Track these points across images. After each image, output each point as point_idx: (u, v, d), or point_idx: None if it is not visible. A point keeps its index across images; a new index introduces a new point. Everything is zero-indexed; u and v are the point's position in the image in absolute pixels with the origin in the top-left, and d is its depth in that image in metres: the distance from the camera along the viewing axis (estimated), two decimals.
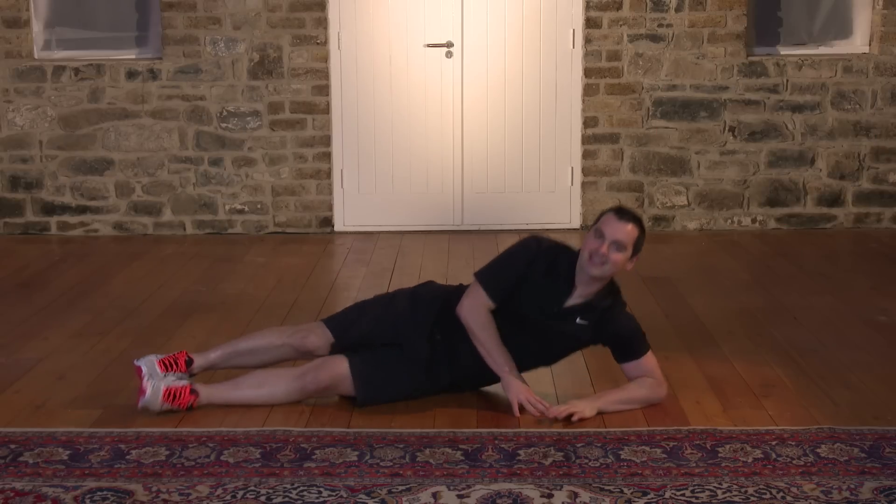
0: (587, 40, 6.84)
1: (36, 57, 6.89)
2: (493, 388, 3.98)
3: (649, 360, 3.79)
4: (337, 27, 6.87)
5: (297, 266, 6.11)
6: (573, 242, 6.71)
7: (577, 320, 3.73)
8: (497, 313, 3.77)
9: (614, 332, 3.76)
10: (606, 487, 3.11)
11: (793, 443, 3.42)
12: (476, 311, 3.76)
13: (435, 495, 3.07)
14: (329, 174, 6.98)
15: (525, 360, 3.82)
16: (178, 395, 3.68)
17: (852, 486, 3.11)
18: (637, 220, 3.72)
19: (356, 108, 6.95)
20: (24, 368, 4.27)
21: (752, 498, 3.04)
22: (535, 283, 3.74)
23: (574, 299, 3.74)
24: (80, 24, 6.98)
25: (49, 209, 6.98)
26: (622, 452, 3.36)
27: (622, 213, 3.73)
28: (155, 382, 3.68)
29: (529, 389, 3.72)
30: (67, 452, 3.39)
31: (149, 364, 3.74)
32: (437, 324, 3.83)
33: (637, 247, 3.71)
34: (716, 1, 6.78)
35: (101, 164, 6.94)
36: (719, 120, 6.92)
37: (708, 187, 6.99)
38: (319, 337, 3.89)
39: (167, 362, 3.78)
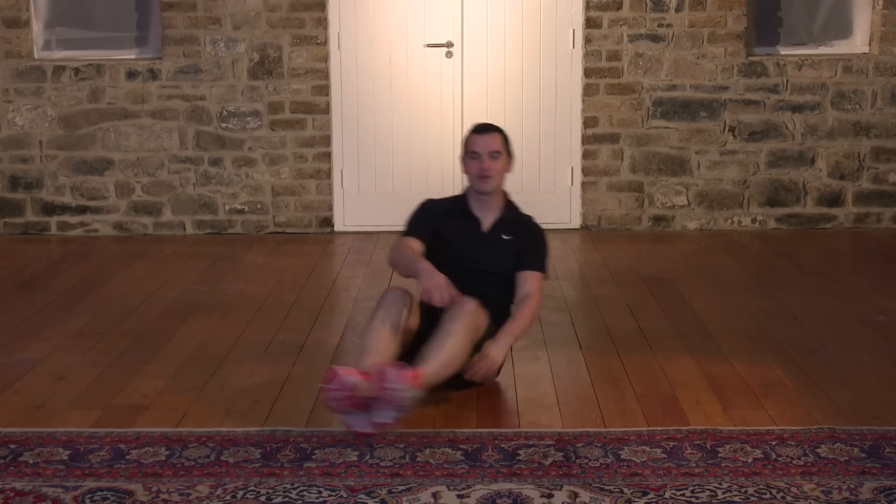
0: (587, 40, 6.84)
1: (36, 57, 6.89)
2: (494, 388, 3.98)
3: (539, 281, 4.01)
4: (337, 27, 6.87)
5: (297, 266, 6.11)
6: (573, 243, 6.75)
7: (503, 236, 4.05)
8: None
9: (529, 237, 4.08)
10: (606, 487, 3.11)
11: (793, 443, 3.42)
12: (394, 245, 3.98)
13: (435, 495, 3.07)
14: (329, 174, 6.98)
15: (486, 301, 3.85)
16: (403, 368, 3.45)
17: (852, 486, 3.11)
18: (496, 127, 4.08)
19: (356, 108, 6.95)
20: (24, 368, 4.27)
21: (752, 498, 3.04)
22: (445, 227, 4.02)
23: (487, 223, 4.06)
24: (80, 24, 6.98)
25: (49, 209, 6.98)
26: (622, 452, 3.36)
27: (481, 128, 4.08)
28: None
29: (447, 281, 3.69)
30: (67, 452, 3.39)
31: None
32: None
33: (509, 149, 4.08)
34: (716, 1, 6.78)
35: (101, 164, 6.94)
36: (719, 120, 6.92)
37: (708, 187, 6.99)
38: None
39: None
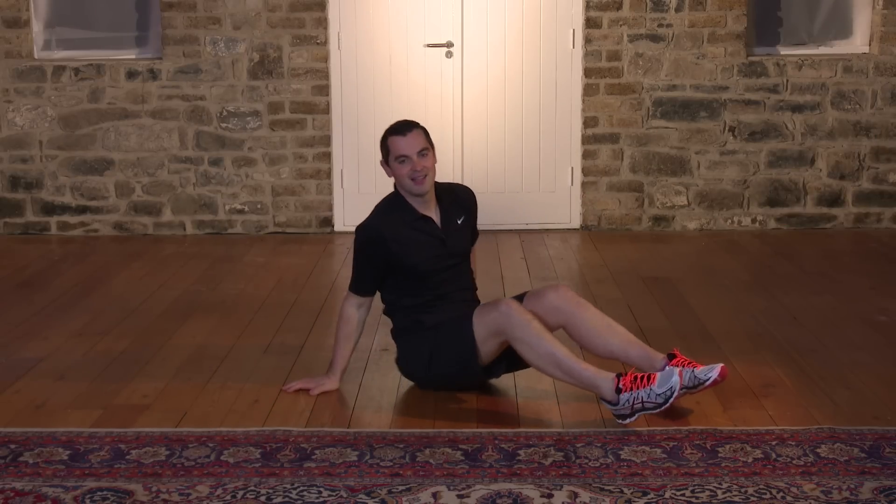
0: (587, 40, 6.84)
1: (36, 57, 6.89)
2: (494, 388, 3.98)
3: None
4: (337, 27, 6.87)
5: (297, 266, 6.11)
6: (573, 243, 6.75)
7: (457, 221, 3.98)
8: (420, 287, 3.90)
9: (472, 208, 4.07)
10: (606, 487, 3.11)
11: (793, 443, 3.42)
12: (341, 314, 4.01)
13: (435, 495, 3.07)
14: (329, 174, 6.98)
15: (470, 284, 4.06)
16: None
17: (852, 486, 3.11)
18: (415, 123, 3.90)
19: (356, 108, 6.95)
20: (24, 368, 4.27)
21: (752, 498, 3.04)
22: (403, 248, 3.86)
23: (437, 217, 3.94)
24: (80, 24, 6.98)
25: (49, 209, 6.98)
26: (622, 452, 3.36)
27: (400, 128, 3.88)
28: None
29: (325, 389, 3.95)
30: (67, 452, 3.39)
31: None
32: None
33: (428, 137, 3.90)
34: (716, 1, 6.78)
35: (101, 164, 6.94)
36: (719, 120, 6.92)
37: (708, 187, 6.99)
38: None
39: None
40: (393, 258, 3.87)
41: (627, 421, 3.53)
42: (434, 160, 3.89)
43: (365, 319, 4.02)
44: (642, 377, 3.51)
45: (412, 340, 3.92)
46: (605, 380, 3.54)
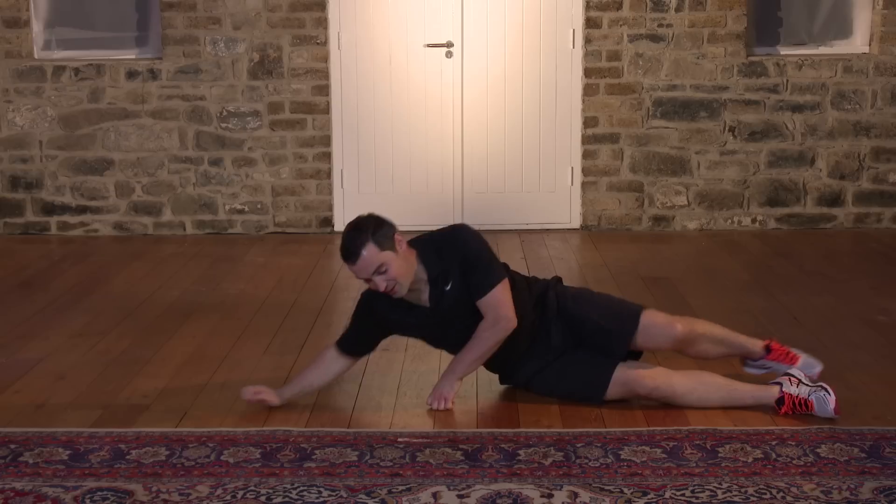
0: (587, 40, 6.84)
1: (36, 57, 6.89)
2: (494, 388, 3.98)
3: (489, 302, 3.70)
4: (337, 27, 6.87)
5: (297, 266, 6.11)
6: (573, 242, 6.75)
7: (446, 289, 3.70)
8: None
9: (459, 260, 3.69)
10: (606, 487, 3.11)
11: (793, 443, 3.42)
12: (320, 352, 3.95)
13: (435, 495, 3.07)
14: (329, 174, 6.98)
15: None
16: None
17: (852, 486, 3.11)
18: (360, 241, 3.59)
19: (356, 108, 6.95)
20: (24, 368, 4.27)
21: (752, 498, 3.04)
22: (397, 323, 3.82)
23: (425, 297, 3.74)
24: (80, 24, 6.98)
25: (49, 209, 6.98)
26: (622, 452, 3.36)
27: (345, 255, 3.64)
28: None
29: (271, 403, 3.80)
30: (67, 452, 3.39)
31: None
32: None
33: (388, 244, 3.59)
34: (716, 1, 6.78)
35: (101, 164, 6.94)
36: (719, 120, 6.92)
37: (708, 187, 6.99)
38: None
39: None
40: (377, 324, 3.85)
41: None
42: (400, 261, 3.61)
43: (336, 375, 3.87)
44: (801, 403, 3.65)
45: (530, 358, 3.86)
46: (766, 398, 3.73)
